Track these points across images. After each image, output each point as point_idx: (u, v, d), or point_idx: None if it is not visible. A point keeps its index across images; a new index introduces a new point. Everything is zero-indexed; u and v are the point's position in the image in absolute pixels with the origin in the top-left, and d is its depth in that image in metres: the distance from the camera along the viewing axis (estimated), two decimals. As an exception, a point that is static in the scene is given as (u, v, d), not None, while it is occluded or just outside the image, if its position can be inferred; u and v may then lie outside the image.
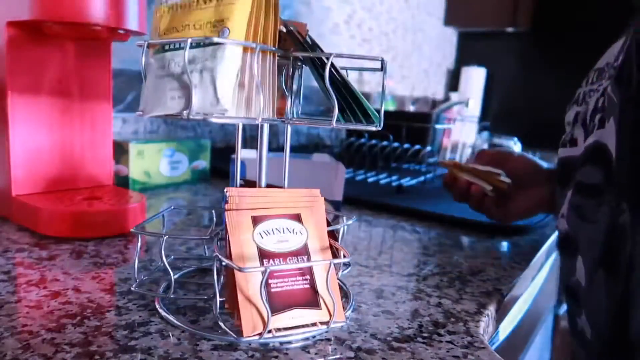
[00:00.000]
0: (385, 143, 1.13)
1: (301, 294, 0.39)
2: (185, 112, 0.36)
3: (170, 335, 0.39)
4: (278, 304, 0.38)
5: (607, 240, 0.52)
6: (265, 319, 0.37)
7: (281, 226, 0.40)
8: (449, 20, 2.65)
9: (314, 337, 0.40)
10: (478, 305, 0.48)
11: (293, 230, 0.41)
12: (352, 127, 0.40)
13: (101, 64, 0.70)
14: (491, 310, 0.48)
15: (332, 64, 0.39)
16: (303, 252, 0.40)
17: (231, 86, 0.36)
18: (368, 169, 1.13)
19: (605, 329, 0.55)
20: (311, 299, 0.39)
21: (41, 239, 0.60)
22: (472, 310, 0.47)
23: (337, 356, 0.37)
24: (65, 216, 0.59)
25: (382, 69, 0.41)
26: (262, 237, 0.39)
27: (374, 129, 0.40)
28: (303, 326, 0.39)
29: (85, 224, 0.60)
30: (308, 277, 0.40)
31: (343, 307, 0.43)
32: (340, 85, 0.40)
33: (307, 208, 0.42)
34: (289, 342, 0.38)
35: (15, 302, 0.43)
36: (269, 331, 0.37)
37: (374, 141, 1.13)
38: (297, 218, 0.42)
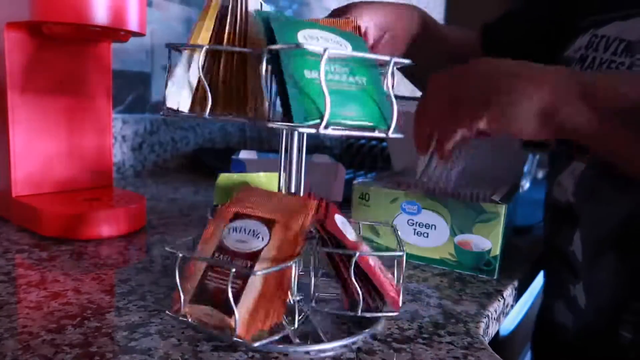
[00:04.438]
0: (385, 144, 1.13)
1: (222, 296, 0.37)
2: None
3: (170, 336, 0.39)
4: (203, 295, 0.38)
5: (626, 228, 0.52)
6: (182, 300, 0.37)
7: (249, 227, 0.40)
8: (449, 20, 2.66)
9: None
10: (478, 306, 0.48)
11: (257, 234, 0.39)
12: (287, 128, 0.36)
13: (101, 65, 0.70)
14: (491, 311, 0.48)
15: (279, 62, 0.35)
16: (252, 257, 0.38)
17: (180, 88, 0.40)
18: (368, 170, 1.13)
19: (604, 302, 0.58)
20: (227, 304, 0.36)
21: (41, 240, 0.60)
22: (473, 311, 0.47)
23: (337, 357, 0.37)
24: (65, 217, 0.59)
25: (390, 69, 0.38)
26: (229, 233, 0.40)
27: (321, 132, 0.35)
28: (215, 326, 0.38)
29: (85, 225, 0.60)
30: (240, 283, 0.37)
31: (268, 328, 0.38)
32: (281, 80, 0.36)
33: (287, 218, 0.40)
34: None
35: (16, 303, 0.43)
36: (185, 315, 0.38)
37: (374, 142, 1.13)
38: (268, 224, 0.40)
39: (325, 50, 0.33)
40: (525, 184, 1.23)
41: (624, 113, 0.43)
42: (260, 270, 0.37)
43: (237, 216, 0.41)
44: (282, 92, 0.35)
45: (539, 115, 0.45)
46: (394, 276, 0.44)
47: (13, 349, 0.36)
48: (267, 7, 0.43)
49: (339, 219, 0.42)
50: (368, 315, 0.41)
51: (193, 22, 1.18)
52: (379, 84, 0.39)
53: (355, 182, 0.62)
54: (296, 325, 0.38)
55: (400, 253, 0.41)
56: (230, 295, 0.35)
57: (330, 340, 0.39)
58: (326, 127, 0.34)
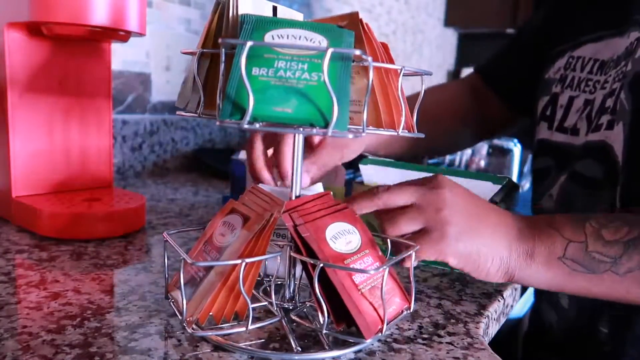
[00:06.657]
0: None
1: (191, 286, 0.39)
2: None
3: (170, 336, 0.39)
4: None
5: None
6: (166, 283, 0.43)
7: (231, 222, 0.41)
8: (449, 21, 2.66)
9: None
10: (478, 307, 0.48)
11: (234, 229, 0.40)
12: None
13: (101, 65, 0.70)
14: (491, 311, 0.48)
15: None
16: (220, 250, 0.39)
17: (188, 89, 0.41)
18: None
19: (584, 301, 0.61)
20: (189, 295, 0.39)
21: (41, 240, 0.60)
22: (472, 311, 0.47)
23: (337, 357, 0.37)
24: (65, 217, 0.59)
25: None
26: (218, 227, 0.41)
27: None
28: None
29: (85, 225, 0.60)
30: (202, 272, 0.39)
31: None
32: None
33: (256, 217, 0.40)
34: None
35: (16, 303, 0.43)
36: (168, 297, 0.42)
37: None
38: (244, 220, 0.40)
39: (245, 42, 0.33)
40: (525, 184, 1.23)
41: (566, 260, 0.47)
42: (200, 262, 0.39)
43: (231, 211, 0.42)
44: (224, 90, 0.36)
45: (500, 279, 0.48)
46: (409, 294, 0.42)
47: (13, 349, 0.36)
48: (284, 8, 0.43)
49: (334, 226, 0.40)
50: (332, 334, 0.39)
51: (193, 22, 1.18)
52: (344, 81, 0.36)
53: (355, 181, 0.62)
54: (249, 327, 0.38)
55: (379, 273, 0.38)
56: (181, 281, 0.37)
57: (331, 348, 0.38)
58: (252, 123, 0.33)
